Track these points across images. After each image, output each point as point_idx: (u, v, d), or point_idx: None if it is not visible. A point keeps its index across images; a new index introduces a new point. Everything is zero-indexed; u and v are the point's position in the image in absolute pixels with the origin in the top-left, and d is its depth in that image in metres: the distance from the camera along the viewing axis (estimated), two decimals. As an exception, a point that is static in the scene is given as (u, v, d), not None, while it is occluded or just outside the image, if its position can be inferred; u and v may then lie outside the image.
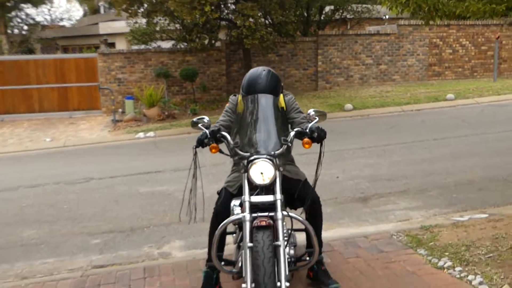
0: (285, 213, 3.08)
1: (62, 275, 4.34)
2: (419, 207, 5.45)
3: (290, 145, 3.27)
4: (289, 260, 3.23)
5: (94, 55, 15.84)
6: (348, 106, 12.87)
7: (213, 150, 3.34)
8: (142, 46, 15.85)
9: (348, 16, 18.90)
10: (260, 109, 3.32)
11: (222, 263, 3.47)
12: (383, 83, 16.80)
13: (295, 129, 3.30)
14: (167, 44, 16.08)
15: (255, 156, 3.11)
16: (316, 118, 3.42)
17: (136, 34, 15.59)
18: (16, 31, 31.19)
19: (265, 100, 3.35)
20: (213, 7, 12.22)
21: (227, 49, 15.78)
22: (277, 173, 3.10)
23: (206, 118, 3.62)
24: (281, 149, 3.15)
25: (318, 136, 3.22)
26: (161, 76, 15.09)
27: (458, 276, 3.57)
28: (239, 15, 12.39)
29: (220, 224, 3.23)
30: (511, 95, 13.34)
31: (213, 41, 14.62)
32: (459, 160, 7.34)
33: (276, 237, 2.99)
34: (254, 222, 3.02)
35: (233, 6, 14.37)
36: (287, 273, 2.96)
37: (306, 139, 3.21)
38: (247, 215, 3.04)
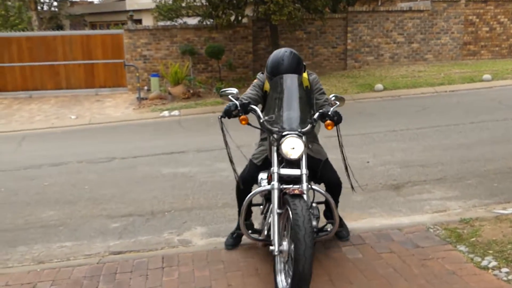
0: (309, 186, 3.34)
1: (79, 261, 4.17)
2: (457, 197, 5.09)
3: (315, 124, 3.50)
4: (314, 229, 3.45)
5: (120, 32, 15.63)
6: (379, 86, 12.41)
7: (243, 122, 3.50)
8: (168, 23, 15.57)
9: (380, -9, 18.24)
10: (286, 88, 3.49)
11: (250, 231, 3.80)
12: (415, 63, 16.19)
13: (320, 111, 3.53)
14: (193, 21, 15.75)
15: (287, 132, 3.32)
16: (336, 103, 3.60)
17: (162, 10, 15.29)
18: (45, 7, 31.27)
19: (290, 80, 3.51)
20: (240, -18, 11.82)
21: (254, 26, 15.38)
22: (305, 149, 3.34)
23: (235, 90, 3.71)
24: (307, 127, 3.40)
25: (337, 120, 3.46)
26: (187, 53, 14.82)
27: (505, 278, 3.24)
28: (267, -10, 11.98)
29: (246, 192, 3.60)
30: (553, 76, 12.68)
31: (239, 18, 14.20)
32: (498, 146, 6.91)
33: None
34: (286, 191, 3.23)
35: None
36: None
37: (328, 121, 3.45)
38: (276, 184, 3.29)
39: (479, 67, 14.51)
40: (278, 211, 3.27)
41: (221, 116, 3.55)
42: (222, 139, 3.76)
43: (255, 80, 3.94)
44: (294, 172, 3.34)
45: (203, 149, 7.87)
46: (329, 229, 3.74)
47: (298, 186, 3.28)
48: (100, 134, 10.26)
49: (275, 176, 3.33)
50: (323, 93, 3.88)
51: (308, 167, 3.46)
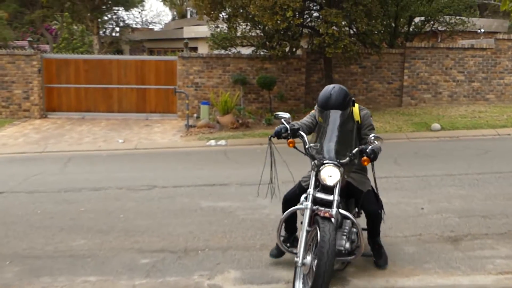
0: (339, 211, 3.73)
1: (101, 300, 3.87)
2: (525, 257, 4.50)
3: (353, 158, 3.86)
4: (343, 251, 3.90)
5: (174, 58, 15.75)
6: (436, 125, 11.77)
7: (290, 145, 4.05)
8: (222, 51, 15.57)
9: (439, 28, 17.62)
10: (330, 123, 3.92)
11: (288, 244, 4.31)
12: (475, 102, 15.40)
13: (359, 147, 3.89)
14: (247, 51, 15.70)
15: (327, 161, 3.77)
16: (375, 143, 3.86)
17: (217, 39, 15.33)
18: (107, 32, 32.39)
19: (334, 115, 3.93)
20: (296, 13, 11.61)
21: (308, 58, 15.13)
22: (341, 178, 3.77)
23: (287, 115, 4.22)
24: (346, 159, 3.82)
25: (373, 158, 3.80)
26: (238, 82, 14.72)
27: None
28: (322, 22, 11.71)
29: (287, 209, 4.04)
30: None
31: (294, 49, 14.00)
32: None
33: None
34: (318, 212, 3.68)
35: (316, 14, 13.75)
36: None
37: (365, 157, 3.80)
38: (309, 204, 3.74)
39: (546, 110, 13.61)
40: (308, 228, 3.70)
41: (271, 136, 4.14)
42: (268, 161, 4.29)
43: (313, 111, 4.36)
44: (328, 197, 3.78)
45: (247, 183, 7.53)
46: (356, 253, 3.97)
47: (328, 209, 3.68)
48: (144, 160, 10.13)
49: (310, 197, 3.79)
50: (372, 129, 4.24)
51: (350, 195, 4.15)
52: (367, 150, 3.78)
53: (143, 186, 7.60)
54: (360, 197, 4.18)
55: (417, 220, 5.58)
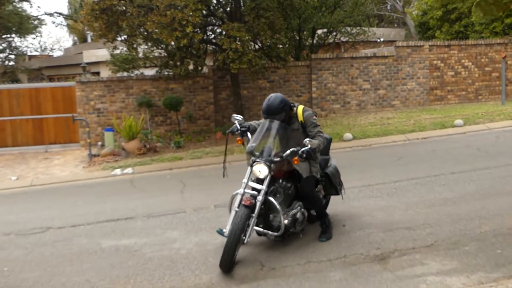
0: (262, 198, 4.69)
1: None
2: (457, 270, 4.19)
3: (284, 158, 4.85)
4: (282, 226, 4.78)
5: (72, 84, 14.65)
6: (348, 135, 11.68)
7: (239, 142, 5.21)
8: (125, 74, 14.70)
9: (342, 39, 17.91)
10: (266, 128, 4.93)
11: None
12: (382, 109, 15.69)
13: (291, 149, 4.84)
14: (151, 72, 14.96)
15: (258, 160, 4.77)
16: (308, 146, 4.79)
17: (117, 61, 14.46)
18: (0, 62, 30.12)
19: (269, 123, 4.93)
20: (196, 29, 11.09)
21: (214, 76, 14.66)
22: (269, 173, 4.75)
23: (240, 117, 5.32)
24: (277, 159, 4.80)
25: (306, 157, 4.83)
26: (144, 105, 13.92)
27: None
28: (225, 36, 11.28)
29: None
30: (526, 120, 12.23)
31: (199, 67, 13.46)
32: (489, 200, 6.11)
33: (253, 210, 4.63)
34: (243, 197, 4.73)
35: (218, 30, 13.33)
36: (250, 233, 4.67)
37: (295, 158, 4.84)
38: (241, 190, 4.79)
39: (448, 112, 14.06)
40: (236, 209, 4.72)
41: (228, 132, 5.24)
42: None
43: None
44: (257, 186, 4.78)
45: (155, 214, 6.82)
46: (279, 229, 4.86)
47: (250, 197, 4.71)
48: (40, 198, 9.05)
49: (243, 185, 4.84)
50: (315, 126, 5.12)
51: (295, 179, 5.15)
52: (299, 152, 4.79)
53: (35, 228, 6.63)
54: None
55: (340, 239, 5.17)
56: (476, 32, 19.63)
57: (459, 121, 12.22)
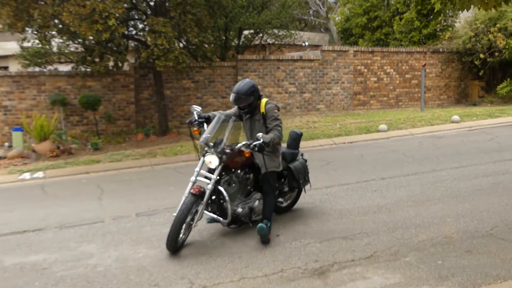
0: (212, 186, 4.97)
1: None
2: (401, 285, 3.94)
3: (236, 150, 5.14)
4: (234, 215, 5.13)
5: (-26, 79, 13.29)
6: (275, 138, 11.39)
7: (195, 132, 5.37)
8: (37, 69, 13.53)
9: (268, 40, 17.72)
10: (223, 121, 5.26)
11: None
12: (307, 113, 15.65)
13: (243, 142, 5.18)
14: (66, 68, 13.90)
15: (210, 151, 5.01)
16: (260, 140, 4.93)
17: (27, 55, 13.28)
18: None
19: (227, 117, 5.35)
20: (118, 22, 10.34)
21: (136, 74, 13.88)
22: (220, 164, 4.99)
23: (199, 108, 5.43)
24: (229, 151, 5.03)
25: (258, 150, 4.94)
26: (57, 103, 12.87)
27: None
28: (149, 32, 10.62)
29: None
30: (445, 126, 12.58)
31: (119, 64, 12.65)
32: (422, 207, 6.00)
33: (202, 198, 4.93)
34: (194, 186, 5.00)
35: (142, 25, 12.62)
36: (198, 218, 5.02)
37: (246, 151, 5.22)
38: (192, 178, 5.06)
39: (371, 117, 14.23)
40: (186, 194, 4.90)
41: (188, 122, 5.36)
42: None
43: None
44: (208, 175, 5.03)
45: (68, 224, 6.11)
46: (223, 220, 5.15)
47: (199, 186, 4.94)
48: None
49: (195, 174, 5.04)
50: (275, 119, 5.31)
51: (256, 171, 5.45)
52: (250, 145, 4.95)
53: None
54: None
55: (275, 251, 4.80)
56: (396, 39, 20.20)
57: (383, 126, 12.35)
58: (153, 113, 13.88)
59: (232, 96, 5.25)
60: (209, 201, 5.07)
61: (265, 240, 5.00)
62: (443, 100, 17.72)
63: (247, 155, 5.16)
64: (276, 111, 5.35)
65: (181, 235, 4.84)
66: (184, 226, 4.81)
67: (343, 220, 5.67)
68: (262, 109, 5.31)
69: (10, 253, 5.21)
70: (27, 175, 9.50)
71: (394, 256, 4.52)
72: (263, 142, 4.90)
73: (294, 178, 5.68)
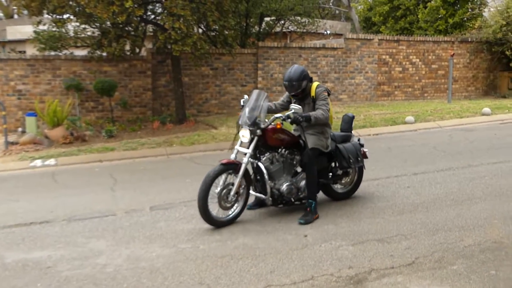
0: (247, 160, 5.08)
1: None
2: (451, 300, 3.42)
3: (269, 123, 5.21)
4: (278, 193, 5.26)
5: (-12, 62, 12.96)
6: (297, 128, 10.87)
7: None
8: (52, 53, 13.13)
9: (290, 28, 17.13)
10: (254, 99, 5.34)
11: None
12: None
13: (275, 115, 5.32)
14: (82, 52, 13.50)
15: (243, 125, 5.18)
16: (292, 110, 5.05)
17: (43, 38, 12.89)
18: None
19: (258, 94, 5.38)
20: (136, 5, 9.86)
21: (153, 60, 13.43)
22: (253, 137, 5.14)
23: (246, 96, 5.49)
24: (262, 124, 5.16)
25: (292, 121, 5.10)
26: (72, 88, 12.51)
27: None
28: (167, 15, 10.11)
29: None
30: (475, 118, 11.94)
31: (136, 49, 12.20)
32: (462, 207, 5.45)
33: (237, 172, 5.02)
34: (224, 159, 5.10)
35: (160, 10, 12.13)
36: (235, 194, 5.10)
37: (277, 122, 5.27)
38: (232, 156, 5.18)
39: (397, 108, 13.63)
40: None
41: (238, 122, 5.39)
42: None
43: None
44: (244, 150, 5.16)
45: (77, 217, 5.69)
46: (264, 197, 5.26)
47: (228, 159, 5.07)
48: None
49: (234, 151, 5.24)
50: (322, 100, 5.30)
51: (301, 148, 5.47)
52: (282, 118, 5.12)
53: None
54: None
55: (303, 254, 4.30)
56: (421, 29, 19.45)
57: (410, 118, 11.76)
58: (170, 101, 13.44)
59: (285, 85, 5.29)
60: (255, 181, 5.22)
61: (307, 221, 5.10)
62: (470, 92, 17.00)
63: (279, 126, 5.17)
64: (325, 93, 5.34)
65: (214, 211, 4.97)
66: (213, 196, 4.91)
67: (376, 220, 5.15)
68: (313, 93, 5.34)
69: (13, 248, 4.80)
70: (38, 162, 9.13)
71: (439, 264, 3.99)
72: (294, 113, 4.96)
73: (344, 157, 5.57)
